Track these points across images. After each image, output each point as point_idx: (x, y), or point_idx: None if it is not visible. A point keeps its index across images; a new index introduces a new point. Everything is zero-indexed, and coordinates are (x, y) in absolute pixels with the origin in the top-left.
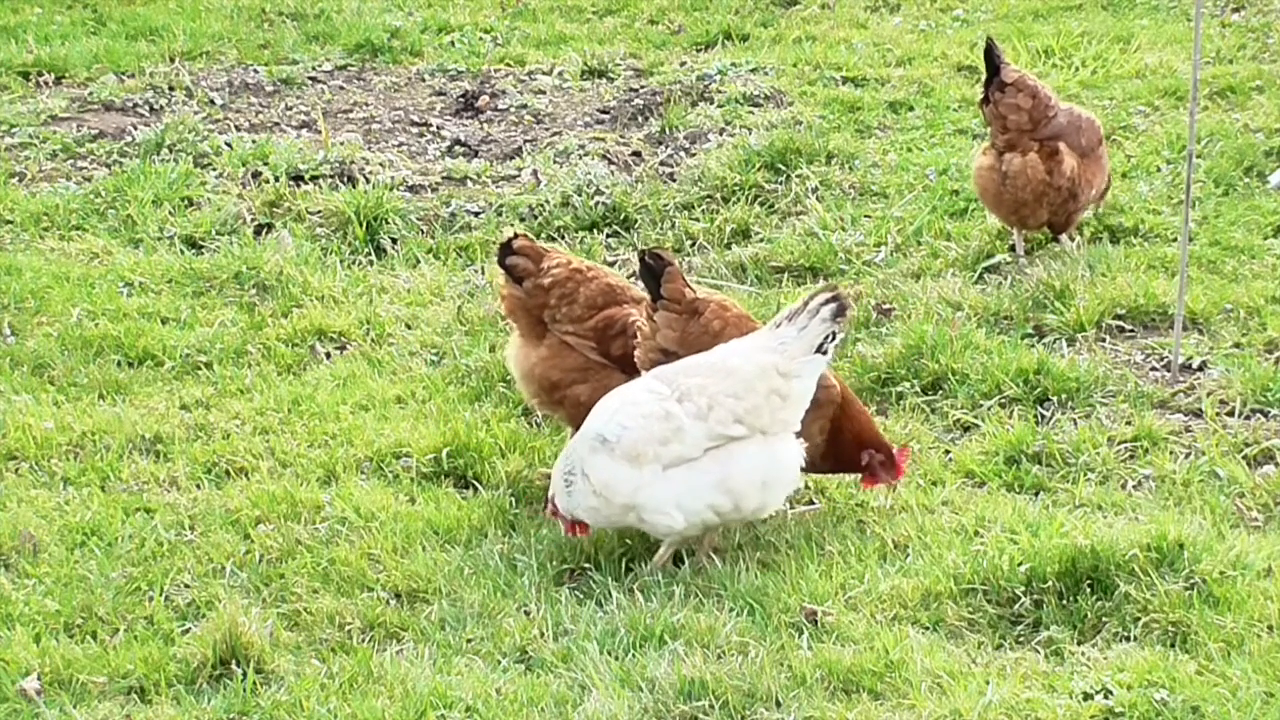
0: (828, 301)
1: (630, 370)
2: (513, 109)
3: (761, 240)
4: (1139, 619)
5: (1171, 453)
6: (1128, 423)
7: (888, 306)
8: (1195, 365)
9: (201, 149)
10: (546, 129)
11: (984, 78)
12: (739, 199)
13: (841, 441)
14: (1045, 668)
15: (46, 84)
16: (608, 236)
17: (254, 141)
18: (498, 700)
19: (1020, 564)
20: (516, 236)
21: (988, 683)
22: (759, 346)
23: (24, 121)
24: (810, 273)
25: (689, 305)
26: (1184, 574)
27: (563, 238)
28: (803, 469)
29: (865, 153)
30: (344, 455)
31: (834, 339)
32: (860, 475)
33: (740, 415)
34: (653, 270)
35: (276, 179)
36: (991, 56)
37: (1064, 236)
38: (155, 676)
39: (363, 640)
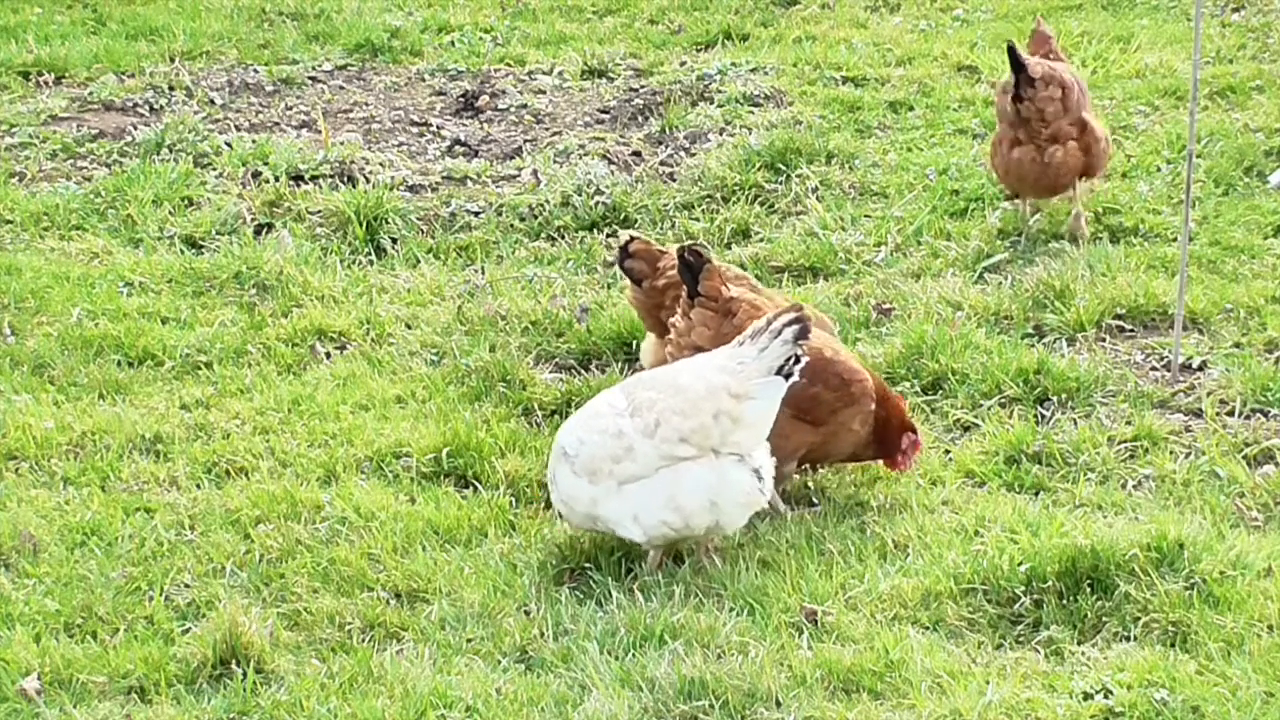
0: (790, 323)
1: None
2: (513, 109)
3: (761, 240)
4: (1139, 619)
5: (1171, 453)
6: (1128, 423)
7: (888, 306)
8: (1195, 365)
9: (201, 149)
10: (546, 129)
11: (1013, 77)
12: (739, 199)
13: (888, 428)
14: (1045, 668)
15: (46, 84)
16: (608, 236)
17: (254, 141)
18: (498, 700)
19: (1020, 564)
20: (633, 240)
21: (988, 683)
22: (715, 365)
23: (24, 121)
24: (810, 273)
25: (724, 305)
26: (1184, 574)
27: (563, 238)
28: (847, 458)
29: (865, 153)
30: (344, 455)
31: (797, 361)
32: (889, 459)
33: (685, 434)
34: (691, 267)
35: (276, 179)
36: (1015, 55)
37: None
38: (155, 676)
39: (363, 640)
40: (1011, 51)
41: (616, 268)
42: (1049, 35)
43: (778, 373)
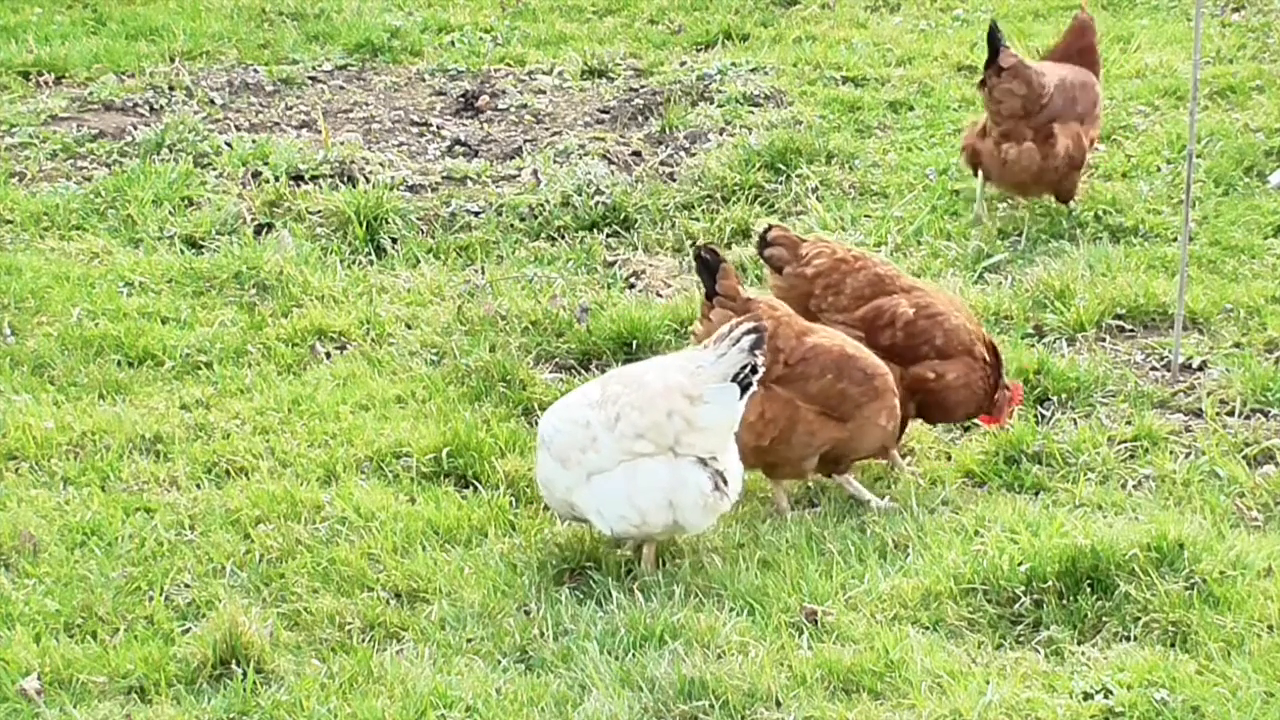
0: (749, 332)
1: (899, 359)
2: (513, 109)
3: None
4: (1139, 619)
5: (1171, 453)
6: (1128, 423)
7: None
8: (1195, 365)
9: (201, 149)
10: (546, 129)
11: (985, 60)
12: (739, 199)
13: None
14: (1045, 668)
15: (46, 84)
16: (608, 236)
17: (254, 141)
18: (498, 700)
19: (1020, 564)
20: (771, 228)
21: (988, 683)
22: (677, 365)
23: (24, 121)
24: None
25: (743, 304)
26: (1184, 574)
27: (563, 238)
28: (877, 454)
29: (865, 153)
30: (344, 455)
31: (754, 371)
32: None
33: (642, 430)
34: (708, 265)
35: (276, 179)
36: (993, 40)
37: (1071, 204)
38: (155, 676)
39: (363, 640)
40: (992, 33)
41: (758, 255)
42: (1087, 25)
43: (734, 380)
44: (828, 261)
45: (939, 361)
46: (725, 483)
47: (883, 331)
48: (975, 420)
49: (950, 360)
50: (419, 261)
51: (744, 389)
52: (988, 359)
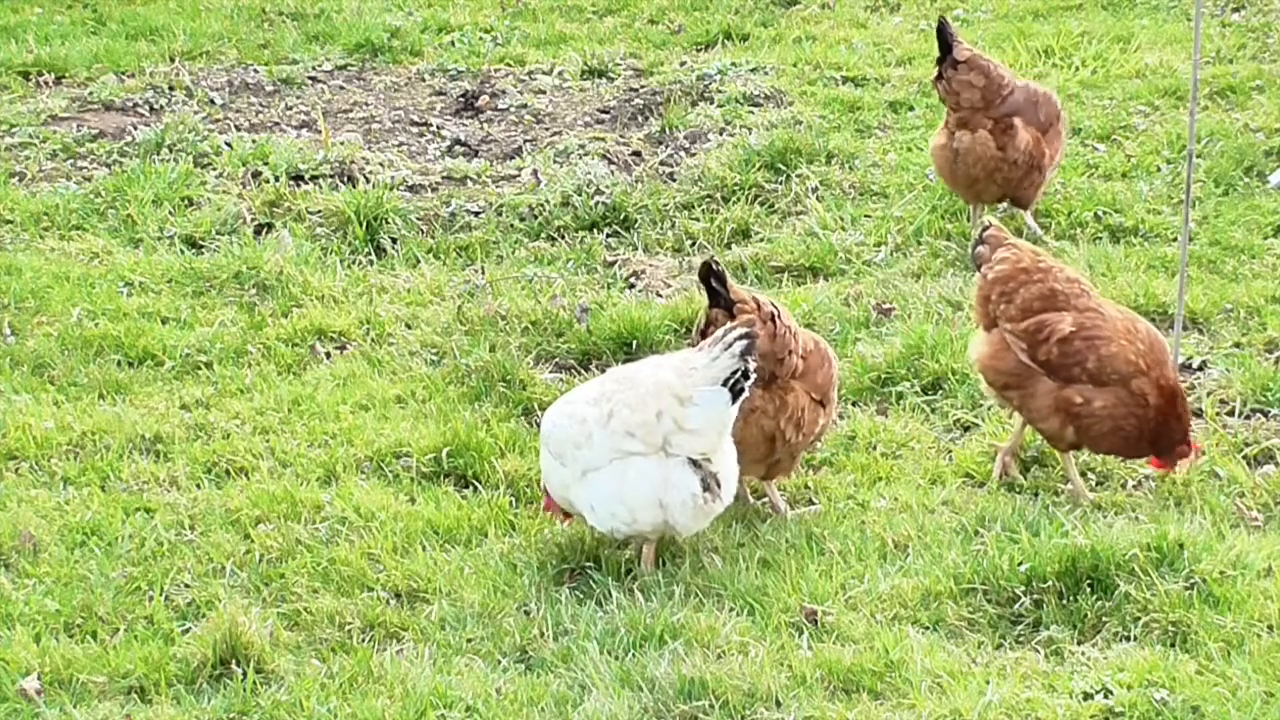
0: (740, 338)
1: (1055, 376)
2: (513, 109)
3: (761, 240)
4: (1139, 619)
5: None
6: None
7: (888, 306)
8: (1195, 365)
9: (201, 149)
10: (546, 129)
11: (937, 56)
12: (739, 199)
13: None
14: (1045, 668)
15: (46, 84)
16: (608, 236)
17: (254, 141)
18: (498, 700)
19: (1020, 564)
20: (989, 227)
21: (988, 682)
22: (670, 365)
23: (24, 121)
24: (810, 272)
25: (765, 313)
26: (1184, 574)
27: (563, 238)
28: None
29: (865, 153)
30: (344, 455)
31: (746, 378)
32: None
33: (632, 428)
34: (720, 277)
35: (276, 179)
36: (944, 35)
37: (1029, 213)
38: (155, 676)
39: (363, 640)
40: (941, 29)
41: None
42: None
43: (724, 384)
44: (1008, 268)
45: (1089, 386)
46: (718, 485)
47: (1040, 346)
48: (1140, 460)
49: (1103, 388)
50: (419, 261)
51: (735, 394)
52: (1150, 399)
